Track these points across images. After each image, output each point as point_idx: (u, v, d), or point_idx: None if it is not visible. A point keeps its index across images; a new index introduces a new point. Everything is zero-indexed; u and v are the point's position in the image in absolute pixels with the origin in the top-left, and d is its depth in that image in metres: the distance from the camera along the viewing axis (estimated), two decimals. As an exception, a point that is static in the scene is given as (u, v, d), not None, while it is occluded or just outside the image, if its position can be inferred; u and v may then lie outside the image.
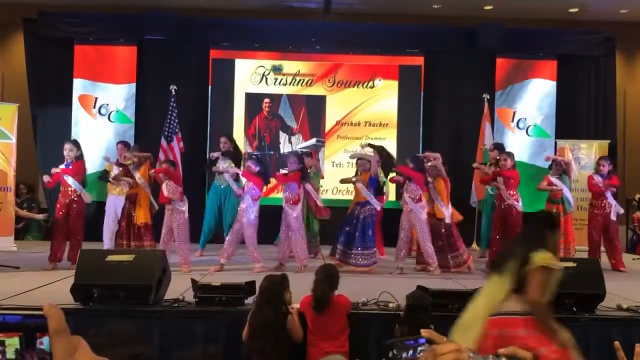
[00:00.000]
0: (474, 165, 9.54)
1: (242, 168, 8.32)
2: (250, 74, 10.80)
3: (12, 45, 11.20)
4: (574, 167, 9.34)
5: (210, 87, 10.79)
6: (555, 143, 10.61)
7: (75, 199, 7.35)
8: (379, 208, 7.72)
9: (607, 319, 5.01)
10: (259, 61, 10.86)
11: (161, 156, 9.13)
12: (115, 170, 8.36)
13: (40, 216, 8.82)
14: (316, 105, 10.80)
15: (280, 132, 10.81)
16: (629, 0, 10.39)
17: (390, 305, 5.04)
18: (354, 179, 7.85)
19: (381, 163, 7.86)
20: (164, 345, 4.75)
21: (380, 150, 7.95)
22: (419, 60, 10.93)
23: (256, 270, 7.06)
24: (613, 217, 8.21)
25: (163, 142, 9.48)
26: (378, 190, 7.78)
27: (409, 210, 7.37)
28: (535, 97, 10.88)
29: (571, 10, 10.87)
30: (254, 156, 8.38)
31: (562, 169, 8.52)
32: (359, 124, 10.83)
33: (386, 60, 10.96)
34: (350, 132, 10.80)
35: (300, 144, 10.68)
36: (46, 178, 7.54)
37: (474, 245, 9.81)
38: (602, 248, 8.28)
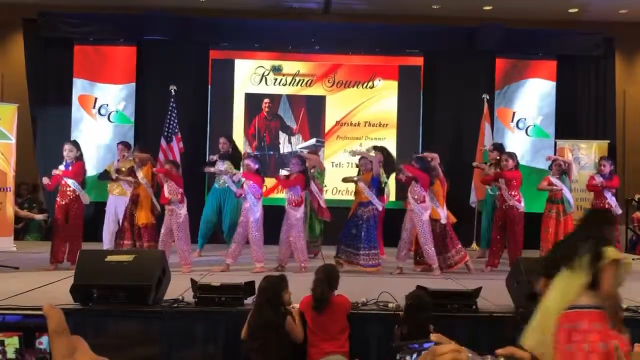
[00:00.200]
0: (474, 164, 9.54)
1: (241, 169, 8.31)
2: (250, 74, 10.80)
3: (12, 45, 11.18)
4: (574, 167, 9.34)
5: (210, 87, 10.78)
6: (555, 143, 10.60)
7: (74, 199, 7.34)
8: (380, 208, 7.71)
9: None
10: (258, 61, 10.85)
11: (161, 156, 9.11)
12: (116, 165, 8.34)
13: (40, 216, 8.81)
14: (316, 106, 10.79)
15: (280, 133, 10.80)
16: (628, 1, 10.37)
17: (390, 305, 5.05)
18: (356, 178, 7.84)
19: (382, 163, 7.85)
20: (163, 346, 4.76)
21: (381, 151, 7.93)
22: (419, 61, 10.92)
23: (256, 271, 7.06)
24: (613, 217, 8.20)
25: (163, 142, 9.45)
26: (379, 190, 7.78)
27: (412, 210, 7.37)
28: (535, 98, 10.87)
29: (571, 10, 10.86)
30: (252, 155, 8.39)
31: (562, 169, 8.52)
32: (358, 124, 10.82)
33: (386, 60, 10.95)
34: (350, 132, 10.79)
35: (300, 144, 10.67)
36: (45, 180, 7.50)
37: (474, 245, 9.80)
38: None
